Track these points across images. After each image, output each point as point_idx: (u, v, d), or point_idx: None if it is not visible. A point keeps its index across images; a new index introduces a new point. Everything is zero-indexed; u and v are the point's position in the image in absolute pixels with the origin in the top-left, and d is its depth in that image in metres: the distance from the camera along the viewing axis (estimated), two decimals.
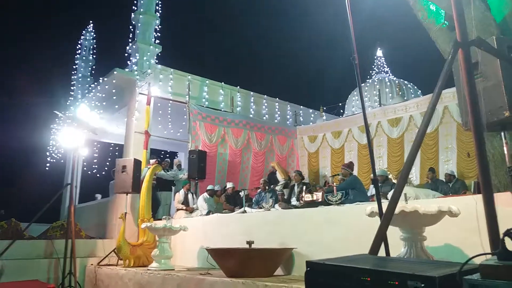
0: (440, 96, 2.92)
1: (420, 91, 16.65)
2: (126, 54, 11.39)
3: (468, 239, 3.77)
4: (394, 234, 3.87)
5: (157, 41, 11.34)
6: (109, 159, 12.61)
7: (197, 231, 7.56)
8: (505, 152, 3.42)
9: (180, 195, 9.51)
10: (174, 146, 14.45)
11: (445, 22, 5.51)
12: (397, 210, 3.54)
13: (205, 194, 9.29)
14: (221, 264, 5.59)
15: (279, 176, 10.62)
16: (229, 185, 9.94)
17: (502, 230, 2.47)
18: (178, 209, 9.37)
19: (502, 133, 3.41)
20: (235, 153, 11.64)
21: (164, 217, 7.89)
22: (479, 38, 2.75)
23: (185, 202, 9.42)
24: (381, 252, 3.08)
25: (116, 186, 8.56)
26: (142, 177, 8.71)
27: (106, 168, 12.42)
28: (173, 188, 10.68)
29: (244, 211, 7.32)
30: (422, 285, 1.43)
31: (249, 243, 5.62)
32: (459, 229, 3.87)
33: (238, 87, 12.71)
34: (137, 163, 8.65)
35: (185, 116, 10.76)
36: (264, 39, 27.57)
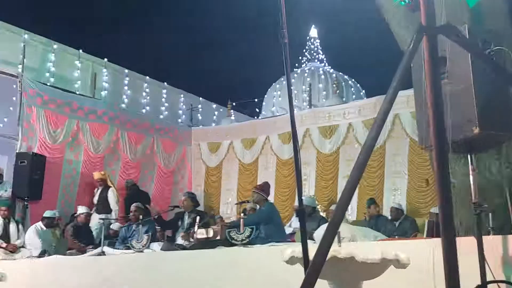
0: (395, 99, 3.09)
1: (363, 91, 17.63)
2: None
3: None
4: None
5: None
6: None
7: (23, 281, 7.09)
8: (471, 182, 3.65)
9: None
10: None
11: None
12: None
13: (39, 225, 8.83)
14: None
15: (112, 198, 10.37)
16: (81, 210, 9.52)
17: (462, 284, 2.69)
18: None
19: (469, 157, 3.67)
20: (94, 161, 11.26)
21: None
22: (450, 25, 2.96)
23: (4, 235, 8.77)
24: None
25: None
26: None
27: None
28: None
29: (102, 252, 7.05)
30: None
31: None
32: (407, 284, 4.13)
33: (106, 59, 12.33)
34: None
35: (14, 98, 10.13)
36: None
